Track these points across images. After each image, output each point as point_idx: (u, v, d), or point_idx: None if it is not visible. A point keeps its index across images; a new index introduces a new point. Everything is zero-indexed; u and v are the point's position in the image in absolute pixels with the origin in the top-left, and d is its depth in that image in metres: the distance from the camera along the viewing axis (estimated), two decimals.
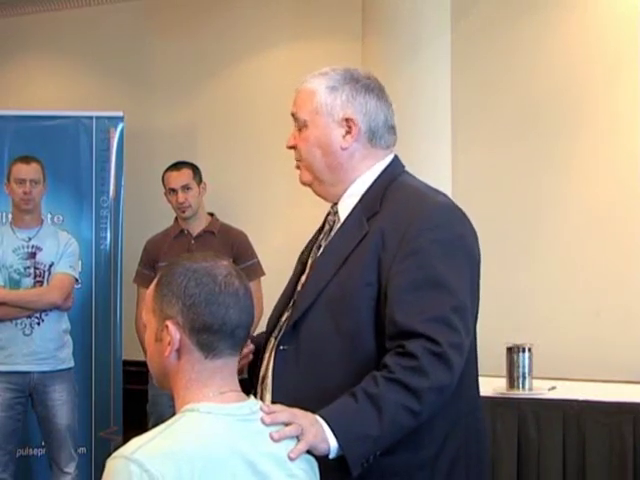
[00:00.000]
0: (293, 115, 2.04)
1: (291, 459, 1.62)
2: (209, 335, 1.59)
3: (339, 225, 2.02)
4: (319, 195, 2.08)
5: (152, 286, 1.66)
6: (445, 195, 2.02)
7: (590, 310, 4.60)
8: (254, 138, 5.63)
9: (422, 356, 1.75)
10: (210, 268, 1.62)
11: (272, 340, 2.00)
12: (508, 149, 4.87)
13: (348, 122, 2.00)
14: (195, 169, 4.69)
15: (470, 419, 2.00)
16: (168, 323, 1.59)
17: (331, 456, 1.71)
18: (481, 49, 4.97)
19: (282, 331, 1.96)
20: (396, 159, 2.07)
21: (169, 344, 1.59)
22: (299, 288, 2.02)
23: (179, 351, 1.60)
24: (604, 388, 4.05)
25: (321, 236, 2.08)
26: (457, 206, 1.98)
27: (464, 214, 1.97)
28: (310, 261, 2.04)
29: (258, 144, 5.61)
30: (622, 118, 4.63)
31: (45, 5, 6.29)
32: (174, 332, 1.59)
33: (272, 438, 1.61)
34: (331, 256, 1.96)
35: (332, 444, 1.70)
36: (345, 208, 2.02)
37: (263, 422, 1.62)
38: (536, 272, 4.76)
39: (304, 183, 2.07)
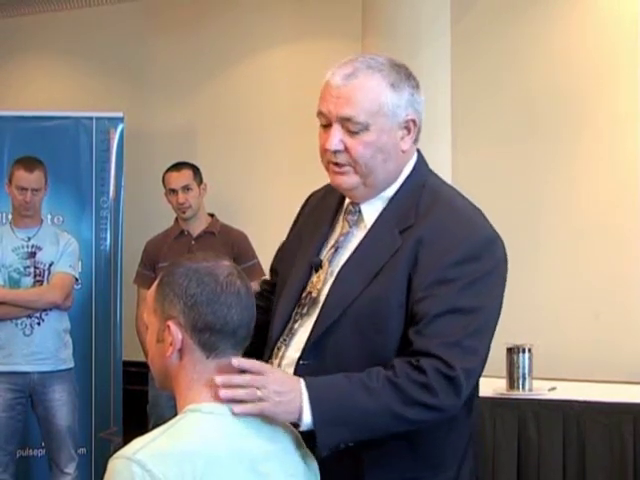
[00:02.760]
0: (346, 118, 1.81)
1: (234, 414, 1.58)
2: (211, 335, 1.58)
3: (366, 231, 1.89)
4: (353, 197, 1.92)
5: (153, 287, 1.66)
6: (481, 213, 1.91)
7: (590, 311, 4.60)
8: (254, 138, 5.63)
9: (432, 374, 1.70)
10: (211, 268, 1.61)
11: (283, 349, 1.89)
12: (508, 149, 4.87)
13: (409, 123, 1.87)
14: (195, 170, 4.69)
15: (474, 431, 1.98)
16: (170, 323, 1.59)
17: (301, 429, 1.68)
18: (481, 49, 4.97)
19: (299, 343, 1.86)
20: (420, 156, 1.95)
21: (171, 344, 1.59)
22: (312, 291, 1.89)
23: (181, 351, 1.60)
24: (604, 389, 4.05)
25: (338, 236, 1.93)
26: (493, 228, 1.89)
27: (499, 237, 1.89)
28: (326, 262, 1.90)
29: (258, 144, 5.61)
30: (622, 119, 4.62)
31: (45, 5, 6.29)
32: (176, 332, 1.59)
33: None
34: (359, 268, 1.84)
35: (305, 420, 1.67)
36: (371, 211, 1.90)
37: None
38: (536, 273, 4.75)
39: (347, 188, 1.88)
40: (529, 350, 3.90)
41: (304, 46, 5.52)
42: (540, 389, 3.92)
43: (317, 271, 1.91)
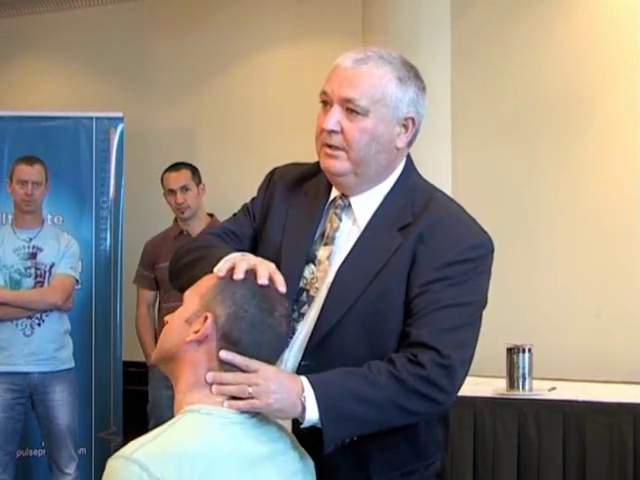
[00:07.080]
0: (348, 99, 1.80)
1: (225, 407, 1.60)
2: (235, 350, 1.61)
3: (361, 229, 1.87)
4: (342, 187, 1.90)
5: (218, 275, 1.66)
6: (471, 216, 1.92)
7: (590, 311, 4.60)
8: (254, 138, 5.63)
9: (430, 367, 1.71)
10: (274, 300, 1.66)
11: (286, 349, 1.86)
12: (508, 149, 4.87)
13: (408, 121, 1.87)
14: (194, 170, 4.69)
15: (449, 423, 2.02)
16: (208, 315, 1.60)
17: (303, 426, 1.67)
18: (481, 49, 4.97)
19: (301, 342, 1.84)
20: (411, 160, 1.96)
21: (196, 332, 1.60)
22: (309, 289, 1.87)
23: (200, 344, 1.61)
24: (604, 389, 4.05)
25: (329, 230, 1.90)
26: (484, 230, 1.90)
27: (489, 238, 1.89)
28: (324, 260, 1.88)
29: (258, 144, 5.61)
30: (622, 119, 4.62)
31: (45, 6, 6.29)
32: (207, 327, 1.60)
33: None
34: (359, 267, 1.83)
35: (310, 416, 1.65)
36: (363, 207, 1.89)
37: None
38: (536, 272, 4.75)
39: (336, 173, 1.85)
40: (529, 350, 3.90)
41: (304, 46, 5.52)
42: (540, 389, 3.92)
43: (307, 264, 1.89)
